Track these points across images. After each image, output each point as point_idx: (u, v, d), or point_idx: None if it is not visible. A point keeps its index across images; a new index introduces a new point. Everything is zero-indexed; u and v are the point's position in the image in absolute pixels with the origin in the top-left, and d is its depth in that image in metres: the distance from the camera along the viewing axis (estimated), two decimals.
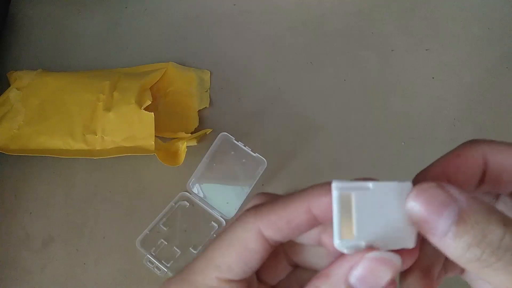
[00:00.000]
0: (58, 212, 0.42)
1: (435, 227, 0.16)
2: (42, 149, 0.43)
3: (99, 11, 0.52)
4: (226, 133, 0.42)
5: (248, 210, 0.18)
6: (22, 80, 0.45)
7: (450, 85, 0.46)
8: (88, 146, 0.42)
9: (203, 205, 0.41)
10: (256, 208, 0.18)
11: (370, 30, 0.49)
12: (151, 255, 0.39)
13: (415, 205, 0.16)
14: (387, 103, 0.46)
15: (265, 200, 0.19)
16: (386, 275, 0.16)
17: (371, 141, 0.44)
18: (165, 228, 0.40)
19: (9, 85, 0.46)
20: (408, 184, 0.17)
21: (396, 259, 0.16)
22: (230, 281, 0.18)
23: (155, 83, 0.46)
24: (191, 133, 0.44)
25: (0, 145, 0.43)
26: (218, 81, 0.47)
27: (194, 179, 0.42)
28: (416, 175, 0.19)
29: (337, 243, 0.17)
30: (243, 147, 0.42)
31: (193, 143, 0.43)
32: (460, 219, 0.15)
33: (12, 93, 0.45)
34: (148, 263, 0.39)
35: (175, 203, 0.41)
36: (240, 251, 0.18)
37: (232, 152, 0.42)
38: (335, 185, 0.17)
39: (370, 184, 0.17)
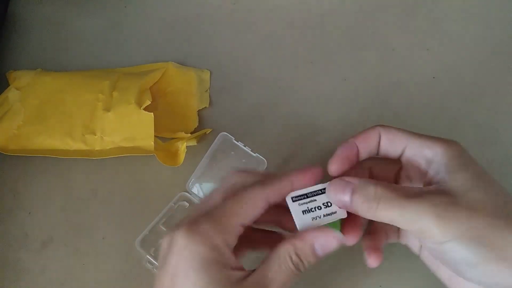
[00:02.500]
0: (57, 212, 0.42)
1: (344, 201, 0.28)
2: (41, 149, 0.43)
3: (99, 11, 0.52)
4: (226, 133, 0.42)
5: (255, 183, 0.28)
6: (21, 80, 0.45)
7: (450, 85, 0.46)
8: (87, 146, 0.42)
9: None
10: (262, 182, 0.28)
11: (371, 29, 0.49)
12: (151, 255, 0.39)
13: (330, 194, 0.29)
14: (387, 103, 0.46)
15: (245, 177, 0.30)
16: (333, 243, 0.28)
17: None
18: (164, 229, 0.40)
19: (8, 85, 0.46)
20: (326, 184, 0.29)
21: (339, 235, 0.28)
22: (242, 225, 0.27)
23: (155, 83, 0.46)
24: (191, 133, 0.44)
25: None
26: (218, 81, 0.47)
27: (194, 179, 0.42)
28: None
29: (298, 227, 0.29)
30: (243, 147, 0.42)
31: (193, 143, 0.43)
32: (353, 191, 0.27)
33: (11, 93, 0.44)
34: (147, 263, 0.39)
35: (175, 203, 0.41)
36: (253, 208, 0.27)
37: (232, 152, 0.42)
38: (288, 198, 0.29)
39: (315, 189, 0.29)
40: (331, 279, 0.38)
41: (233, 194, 0.28)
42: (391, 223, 0.27)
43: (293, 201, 0.28)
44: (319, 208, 0.29)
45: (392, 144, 0.30)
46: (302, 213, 0.28)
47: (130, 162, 0.43)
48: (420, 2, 0.50)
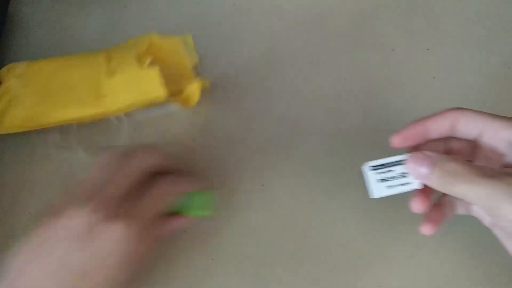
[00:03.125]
0: None
1: (422, 173, 0.29)
2: (58, 121, 0.43)
3: (99, 11, 0.52)
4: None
5: None
6: (16, 70, 0.45)
7: (451, 85, 0.46)
8: (102, 109, 0.43)
9: None
10: None
11: (371, 29, 0.49)
12: None
13: (409, 165, 0.30)
14: (387, 103, 0.46)
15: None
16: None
17: (371, 141, 0.44)
18: None
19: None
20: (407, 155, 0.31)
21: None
22: None
23: (145, 51, 0.46)
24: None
25: (17, 125, 0.43)
26: (217, 81, 0.47)
27: None
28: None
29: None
30: None
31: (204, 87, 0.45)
32: (433, 165, 0.29)
33: (12, 82, 0.44)
34: None
35: None
36: None
37: None
38: (366, 166, 0.32)
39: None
40: (331, 278, 0.38)
41: None
42: (464, 199, 0.28)
43: (371, 170, 0.31)
44: (395, 178, 0.31)
45: (469, 125, 0.31)
46: (378, 181, 0.31)
47: None
48: (420, 2, 0.50)
